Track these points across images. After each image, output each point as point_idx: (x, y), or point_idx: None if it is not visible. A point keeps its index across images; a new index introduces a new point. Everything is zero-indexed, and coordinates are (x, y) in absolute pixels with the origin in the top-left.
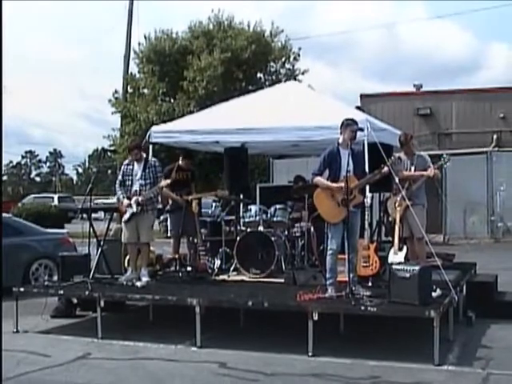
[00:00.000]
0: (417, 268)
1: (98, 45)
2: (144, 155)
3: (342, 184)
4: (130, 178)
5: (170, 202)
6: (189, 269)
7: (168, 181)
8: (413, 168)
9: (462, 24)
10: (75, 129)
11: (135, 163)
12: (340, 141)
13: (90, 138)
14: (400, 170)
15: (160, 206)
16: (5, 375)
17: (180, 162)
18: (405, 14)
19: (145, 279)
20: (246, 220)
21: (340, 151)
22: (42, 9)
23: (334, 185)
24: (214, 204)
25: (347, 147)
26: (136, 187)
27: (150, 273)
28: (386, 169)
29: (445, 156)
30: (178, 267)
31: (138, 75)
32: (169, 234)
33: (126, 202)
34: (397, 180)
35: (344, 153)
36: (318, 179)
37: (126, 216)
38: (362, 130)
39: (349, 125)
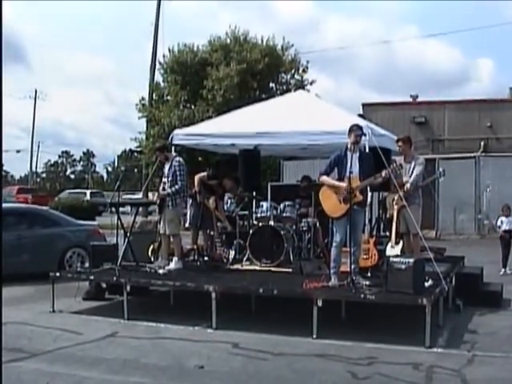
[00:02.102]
0: (411, 260)
1: (123, 57)
2: (172, 155)
3: (344, 184)
4: (163, 176)
5: (196, 189)
6: (206, 258)
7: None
8: (408, 170)
9: (452, 41)
10: (104, 132)
11: (166, 163)
12: (348, 145)
13: (118, 140)
14: (400, 176)
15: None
16: (43, 349)
17: (227, 181)
18: (399, 32)
19: (171, 266)
20: (258, 215)
21: (347, 154)
22: (78, 27)
23: (337, 183)
24: (229, 201)
25: (354, 151)
26: (162, 185)
27: (178, 263)
28: (384, 174)
29: (440, 171)
30: (196, 257)
31: (162, 84)
32: (187, 226)
33: (150, 196)
34: (395, 182)
35: (351, 156)
36: (324, 178)
37: (157, 209)
38: (364, 134)
39: (353, 130)
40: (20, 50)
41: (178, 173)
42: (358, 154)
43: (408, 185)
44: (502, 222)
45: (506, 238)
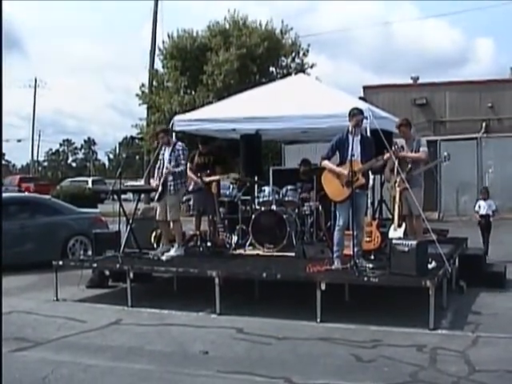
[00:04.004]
0: (414, 242)
1: (123, 45)
2: (173, 140)
3: (345, 171)
4: (162, 161)
5: (192, 183)
6: (209, 244)
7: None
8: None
9: (451, 22)
10: (103, 119)
11: (166, 148)
12: (349, 128)
13: (118, 127)
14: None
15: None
16: (48, 338)
17: (200, 148)
18: (399, 13)
19: (171, 253)
20: (260, 200)
21: (349, 138)
22: (75, 17)
23: (338, 168)
24: (231, 186)
25: (355, 134)
26: (164, 169)
27: (179, 250)
28: (386, 156)
29: (445, 155)
30: (199, 242)
31: (162, 70)
32: (191, 213)
33: (152, 182)
34: (396, 163)
35: (352, 139)
36: (326, 162)
37: (156, 196)
38: (366, 118)
39: (354, 114)
40: (17, 39)
41: (181, 156)
42: (359, 138)
43: (422, 154)
44: (479, 207)
45: (482, 223)
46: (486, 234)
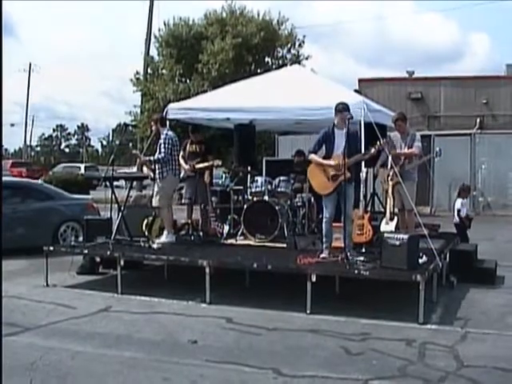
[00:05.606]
0: (406, 237)
1: (118, 32)
2: (164, 129)
3: (332, 161)
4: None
5: (183, 170)
6: (200, 233)
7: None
8: (405, 147)
9: (446, 16)
10: (96, 106)
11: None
12: (335, 122)
13: (110, 114)
14: (393, 148)
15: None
16: (37, 323)
17: (191, 136)
18: (394, 7)
19: (162, 240)
20: (253, 190)
21: (335, 131)
22: (70, 4)
23: (325, 161)
24: (224, 175)
25: (340, 128)
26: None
27: (169, 237)
28: (373, 150)
29: (437, 150)
30: (190, 231)
31: (157, 58)
32: (183, 201)
33: (145, 170)
34: (390, 157)
35: (338, 133)
36: (312, 156)
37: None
38: (352, 117)
39: (339, 111)
40: (11, 24)
41: (162, 145)
42: (344, 131)
43: (415, 149)
44: (462, 205)
45: (466, 224)
46: (464, 238)
